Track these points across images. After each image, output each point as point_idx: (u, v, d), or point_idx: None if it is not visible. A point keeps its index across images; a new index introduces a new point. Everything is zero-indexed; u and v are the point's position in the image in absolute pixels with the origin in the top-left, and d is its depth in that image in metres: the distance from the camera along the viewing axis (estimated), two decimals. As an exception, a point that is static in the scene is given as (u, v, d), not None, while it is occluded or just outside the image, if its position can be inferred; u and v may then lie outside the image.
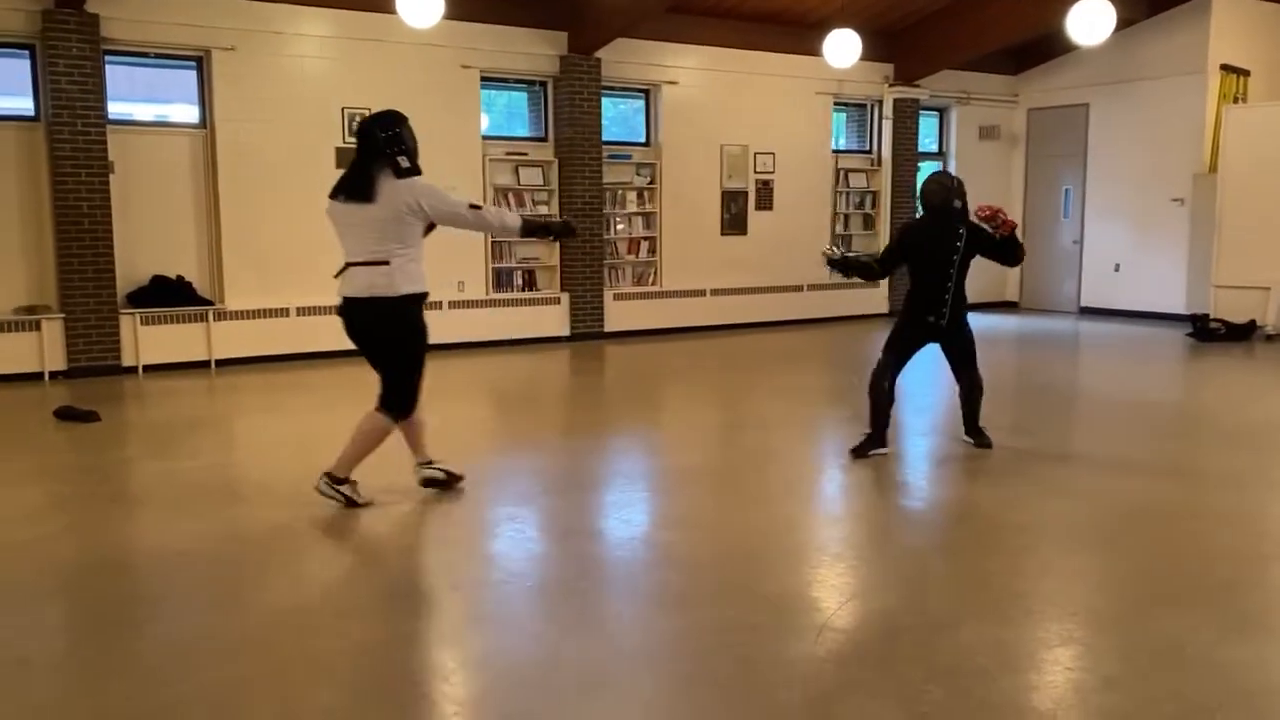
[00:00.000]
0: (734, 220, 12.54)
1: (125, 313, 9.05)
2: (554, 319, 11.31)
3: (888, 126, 13.56)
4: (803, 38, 11.97)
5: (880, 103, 13.59)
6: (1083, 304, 14.04)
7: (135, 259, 9.13)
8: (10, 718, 2.92)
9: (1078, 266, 14.13)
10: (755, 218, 12.67)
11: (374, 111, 4.98)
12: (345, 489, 4.85)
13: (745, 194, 12.59)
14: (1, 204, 8.66)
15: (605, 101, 11.40)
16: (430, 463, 5.14)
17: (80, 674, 3.25)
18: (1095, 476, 5.70)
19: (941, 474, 5.97)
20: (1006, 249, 5.92)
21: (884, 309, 13.74)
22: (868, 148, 13.80)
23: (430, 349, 4.95)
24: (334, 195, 4.82)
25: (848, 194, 13.56)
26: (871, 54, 11.99)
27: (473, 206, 4.89)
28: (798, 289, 13.00)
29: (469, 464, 5.37)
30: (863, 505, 5.27)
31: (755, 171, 12.63)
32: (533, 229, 5.10)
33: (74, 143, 8.65)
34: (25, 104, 8.82)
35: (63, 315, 8.81)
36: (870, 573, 4.20)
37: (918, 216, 6.12)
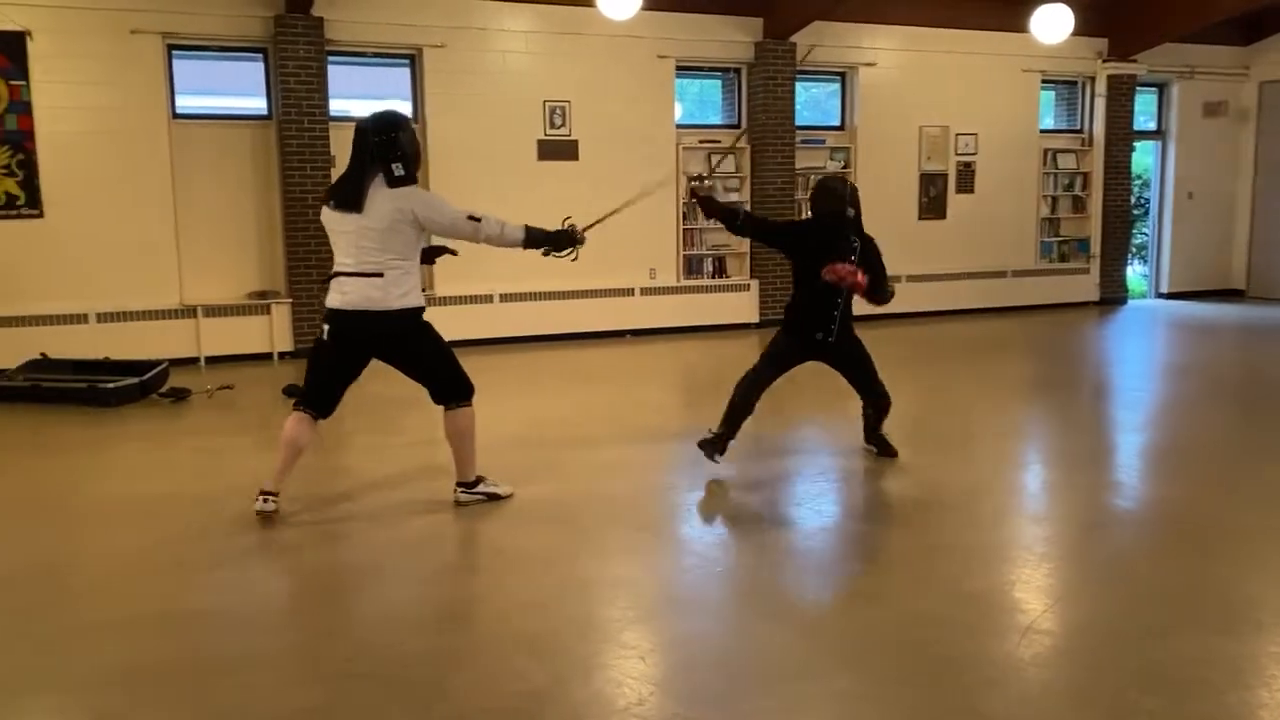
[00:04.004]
0: (932, 203, 12.17)
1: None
2: (743, 305, 11.31)
3: (1100, 104, 12.83)
4: (1009, 14, 11.46)
5: (1093, 79, 12.86)
6: (1321, 292, 12.90)
7: (353, 247, 9.70)
8: (253, 674, 3.20)
9: (1316, 252, 12.99)
10: (955, 201, 12.26)
11: (372, 113, 4.59)
12: (481, 488, 4.85)
13: (945, 176, 12.20)
14: (238, 198, 9.40)
15: (798, 86, 11.28)
16: (275, 495, 4.60)
17: (299, 634, 3.51)
18: (1335, 481, 5.25)
19: (1154, 473, 5.64)
20: (877, 290, 5.31)
21: (1094, 296, 13.05)
22: (1078, 127, 13.09)
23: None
24: (326, 201, 4.59)
25: (1055, 176, 12.92)
26: (1084, 28, 11.33)
27: (471, 218, 4.55)
28: (1000, 275, 12.51)
29: (659, 447, 5.43)
30: (1069, 503, 5.04)
31: (956, 153, 12.21)
32: (536, 241, 4.74)
33: (300, 139, 9.27)
34: (259, 104, 9.53)
35: (290, 300, 9.48)
36: (1078, 574, 4.02)
37: (810, 218, 5.50)
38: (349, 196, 4.45)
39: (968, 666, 3.14)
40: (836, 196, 5.37)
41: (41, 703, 3.03)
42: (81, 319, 8.85)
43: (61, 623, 3.60)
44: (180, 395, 7.57)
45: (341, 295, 4.48)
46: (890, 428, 5.67)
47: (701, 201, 5.51)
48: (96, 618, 3.64)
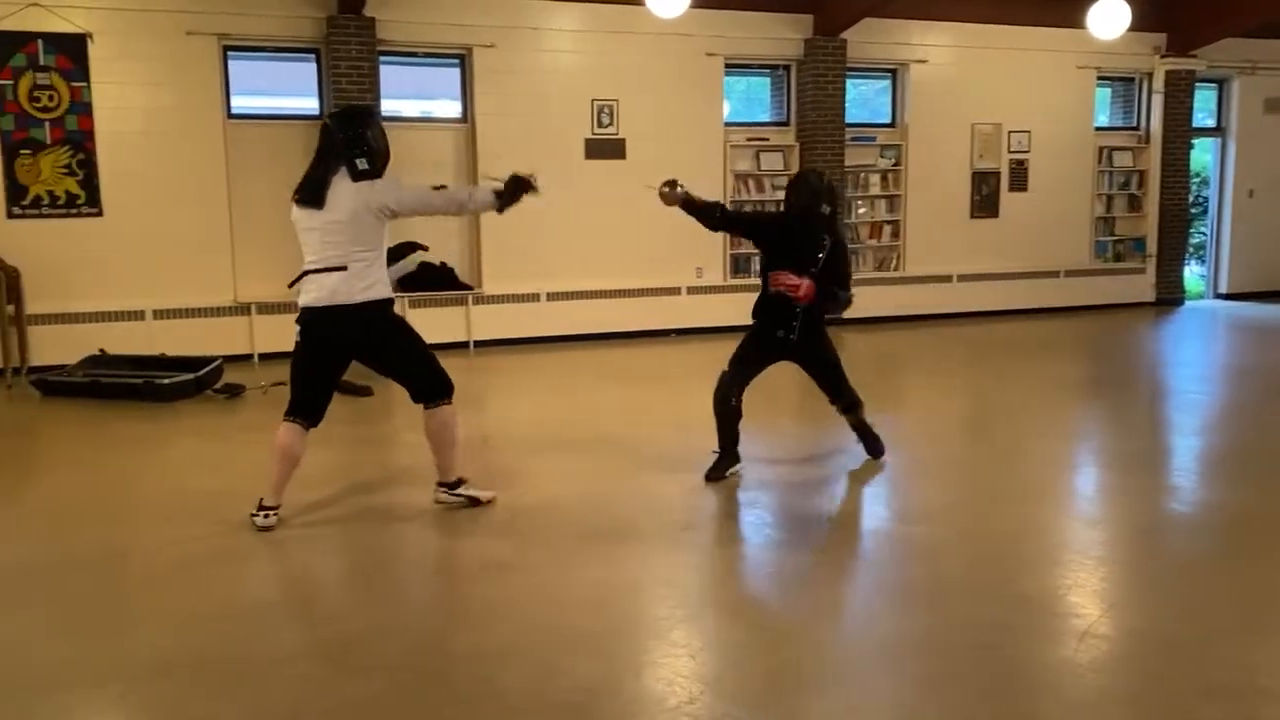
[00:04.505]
0: (984, 202, 12.02)
1: (395, 296, 9.69)
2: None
3: (1158, 101, 12.59)
4: (1064, 9, 11.27)
5: (1150, 76, 12.63)
6: (1388, 293, 12.56)
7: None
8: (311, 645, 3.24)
9: (1382, 251, 12.64)
10: (1008, 199, 12.10)
11: (338, 108, 4.48)
12: (463, 490, 4.78)
13: (997, 174, 12.05)
14: (290, 196, 9.50)
15: (848, 83, 11.19)
16: (275, 510, 4.55)
17: (351, 627, 3.55)
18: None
19: (1212, 477, 5.52)
20: (829, 299, 5.15)
21: (1150, 297, 12.81)
22: (1135, 124, 12.86)
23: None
24: (293, 197, 4.52)
25: (1111, 174, 12.71)
26: (1141, 23, 11.11)
27: (436, 188, 4.57)
28: (1054, 275, 12.33)
29: (704, 446, 5.41)
30: (1125, 506, 4.94)
31: (1009, 151, 12.05)
32: (505, 196, 4.60)
33: (352, 138, 9.36)
34: (312, 104, 9.64)
35: (340, 298, 9.57)
36: (1136, 579, 3.95)
37: (786, 212, 5.34)
38: (311, 193, 4.41)
39: (1024, 671, 3.09)
40: (812, 191, 5.20)
41: (101, 693, 3.08)
42: (139, 315, 9.03)
43: (119, 613, 3.67)
44: (234, 391, 7.69)
45: (309, 293, 4.44)
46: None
47: (681, 204, 5.28)
48: (153, 608, 3.71)
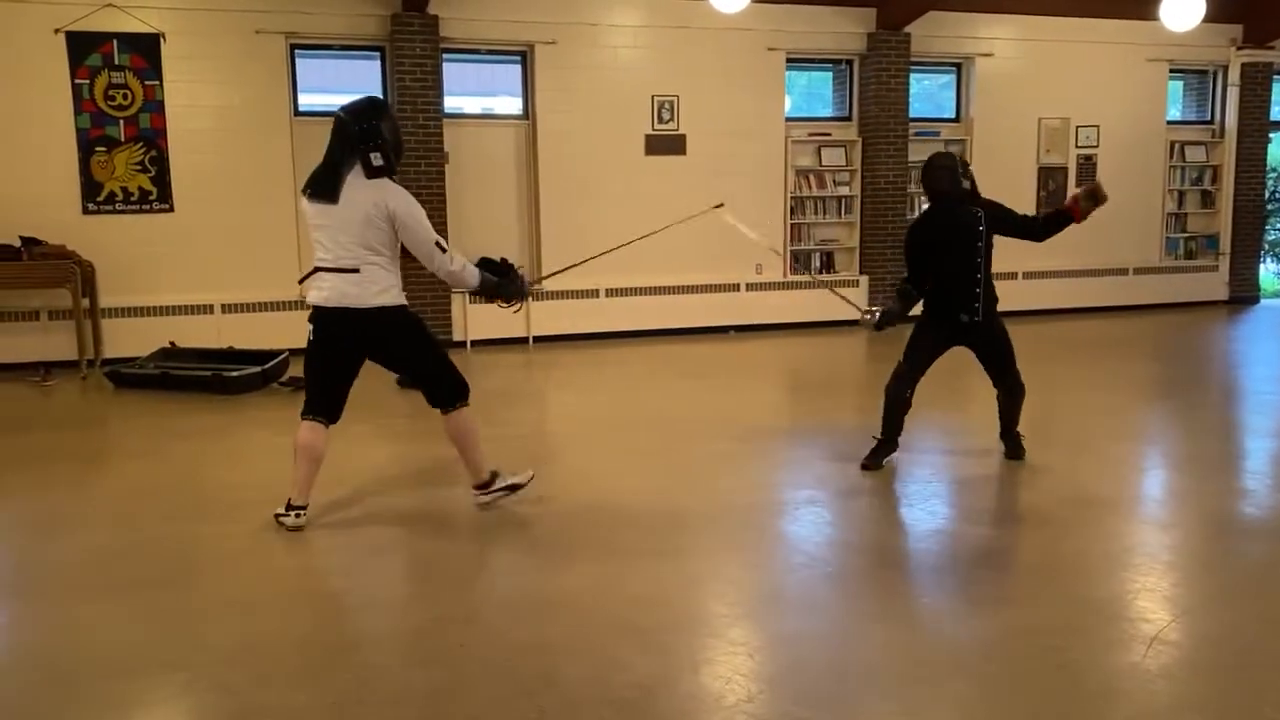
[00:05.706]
0: (1051, 198, 11.80)
1: (456, 292, 9.80)
2: (854, 301, 11.12)
3: (1233, 94, 12.27)
4: (1134, 0, 11.03)
5: (1225, 68, 12.29)
6: None
7: (465, 242, 9.86)
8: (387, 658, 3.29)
9: None
10: (1075, 196, 11.86)
11: (352, 101, 4.37)
12: (498, 484, 4.73)
13: (1064, 170, 11.82)
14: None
15: (911, 77, 11.05)
16: (304, 509, 4.49)
17: (415, 618, 3.59)
18: None
19: (1293, 481, 5.36)
20: (1046, 227, 5.37)
21: (1223, 295, 12.49)
22: (1208, 118, 12.54)
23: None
24: (304, 191, 4.38)
25: (1183, 169, 12.40)
26: (1216, 14, 10.81)
27: (439, 245, 4.35)
28: (1122, 272, 12.07)
29: (764, 443, 5.39)
30: (1196, 510, 4.82)
31: (1077, 146, 11.82)
32: (487, 288, 4.59)
33: (415, 135, 9.46)
34: (375, 101, 9.76)
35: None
36: (1207, 584, 3.85)
37: (923, 210, 5.40)
38: (325, 187, 4.25)
39: (1091, 676, 3.03)
40: (950, 171, 5.26)
41: (170, 679, 3.15)
42: (208, 309, 9.23)
43: (188, 601, 3.75)
44: (300, 384, 7.77)
45: (320, 292, 4.32)
46: (1021, 428, 5.53)
47: (886, 323, 5.42)
48: (220, 597, 3.78)
